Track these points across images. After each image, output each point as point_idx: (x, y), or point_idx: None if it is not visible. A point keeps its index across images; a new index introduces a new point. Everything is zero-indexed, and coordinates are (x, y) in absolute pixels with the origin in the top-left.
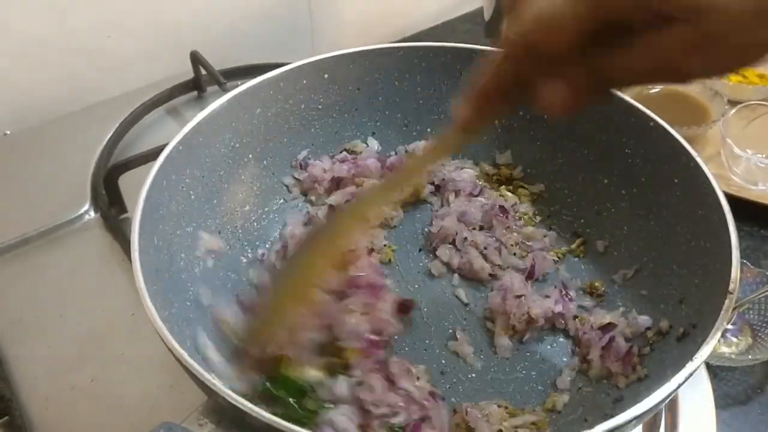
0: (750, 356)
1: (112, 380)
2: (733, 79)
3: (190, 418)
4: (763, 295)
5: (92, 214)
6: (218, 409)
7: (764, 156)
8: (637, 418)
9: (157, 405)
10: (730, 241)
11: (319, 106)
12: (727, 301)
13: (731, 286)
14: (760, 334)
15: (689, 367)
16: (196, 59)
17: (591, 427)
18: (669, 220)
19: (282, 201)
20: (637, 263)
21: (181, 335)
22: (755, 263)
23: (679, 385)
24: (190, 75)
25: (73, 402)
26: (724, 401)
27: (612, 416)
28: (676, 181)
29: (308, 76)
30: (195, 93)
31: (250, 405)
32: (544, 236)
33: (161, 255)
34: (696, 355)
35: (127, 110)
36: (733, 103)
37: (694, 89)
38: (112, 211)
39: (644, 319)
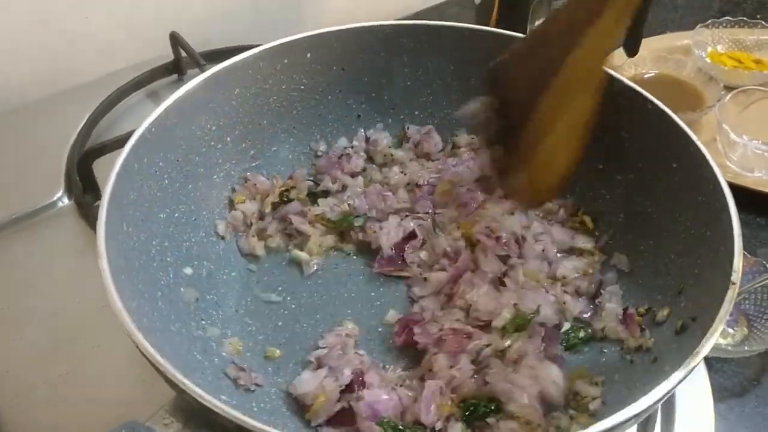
0: (746, 347)
1: (85, 374)
2: (729, 63)
3: (156, 416)
4: (759, 284)
5: (66, 200)
6: (186, 407)
7: (761, 142)
8: (635, 417)
9: (132, 401)
10: (732, 229)
11: (301, 87)
12: (729, 293)
13: (734, 277)
14: (756, 325)
15: (690, 362)
16: (176, 41)
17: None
18: (667, 207)
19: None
20: (633, 252)
21: (151, 327)
22: (751, 252)
23: (679, 382)
24: (171, 57)
25: (45, 397)
26: (719, 393)
27: None
28: (674, 166)
29: (289, 55)
30: (175, 76)
31: (219, 404)
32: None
33: (131, 242)
34: (697, 350)
35: (104, 93)
36: (728, 88)
37: (688, 74)
38: (86, 197)
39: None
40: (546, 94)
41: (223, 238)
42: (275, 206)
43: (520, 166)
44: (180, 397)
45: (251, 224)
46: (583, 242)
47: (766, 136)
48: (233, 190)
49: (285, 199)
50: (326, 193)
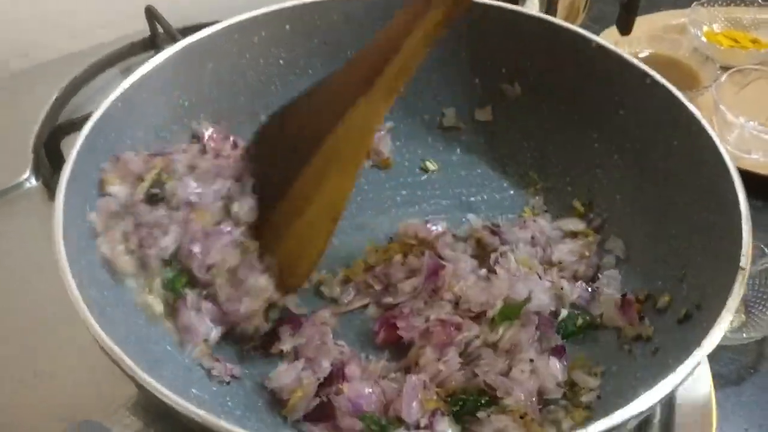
0: (744, 334)
1: (58, 368)
2: (725, 43)
3: (116, 415)
4: (757, 269)
5: (33, 182)
6: (149, 405)
7: (758, 123)
8: (638, 415)
9: (93, 397)
10: (739, 210)
11: (280, 62)
12: (738, 279)
13: (742, 261)
14: (753, 311)
15: (697, 354)
16: (152, 15)
17: None
18: (667, 188)
19: None
20: (631, 235)
21: (116, 318)
22: None
23: (686, 376)
24: (147, 33)
25: (16, 396)
26: (716, 381)
27: None
28: (675, 144)
29: (267, 27)
30: (152, 52)
31: (182, 402)
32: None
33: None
34: (704, 341)
35: (76, 70)
36: (724, 68)
37: (684, 54)
38: (55, 178)
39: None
40: (302, 172)
41: None
42: None
43: (271, 246)
44: (141, 393)
45: None
46: (574, 224)
47: (763, 117)
48: None
49: None
50: None
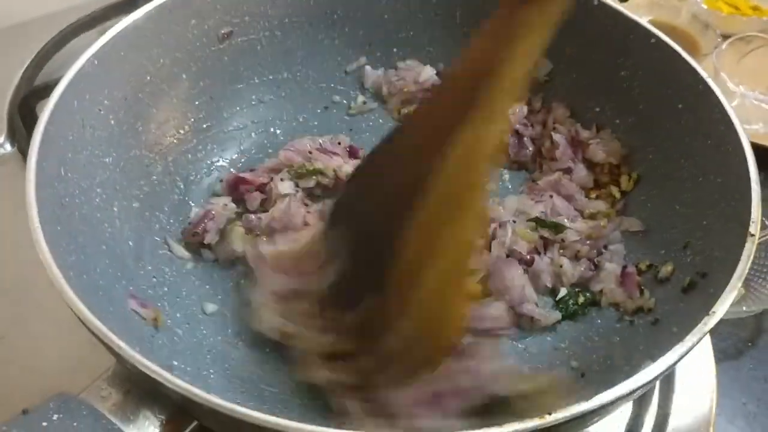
0: (744, 308)
1: (25, 337)
2: (725, 10)
3: (92, 387)
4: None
5: (8, 147)
6: (128, 377)
7: (758, 92)
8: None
9: (76, 368)
10: (748, 173)
11: (267, 21)
12: (748, 245)
13: (752, 227)
14: (753, 285)
15: (707, 323)
16: None
17: None
18: (671, 152)
19: (221, 131)
20: (633, 203)
21: (93, 285)
22: None
23: (693, 345)
24: None
25: None
26: (715, 355)
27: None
28: (680, 106)
29: None
30: None
31: (165, 373)
32: None
33: (70, 188)
34: (714, 309)
35: (53, 32)
36: (724, 36)
37: (683, 21)
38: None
39: None
40: (410, 224)
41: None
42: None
43: (390, 328)
44: (120, 364)
45: None
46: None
47: (764, 86)
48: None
49: None
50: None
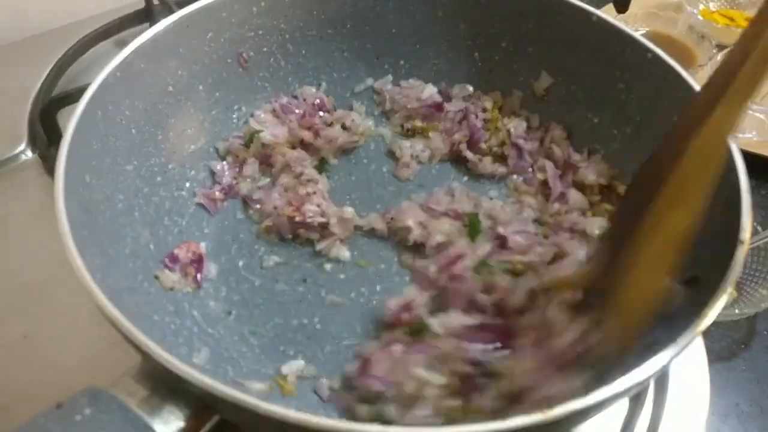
0: (736, 310)
1: (46, 337)
2: (721, 21)
3: (120, 383)
4: (750, 247)
5: (29, 154)
6: (153, 373)
7: (751, 102)
8: (639, 384)
9: (96, 365)
10: (738, 183)
11: (280, 34)
12: (738, 252)
13: (742, 235)
14: (745, 288)
15: (696, 326)
16: None
17: None
18: None
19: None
20: None
21: (116, 287)
22: None
23: (682, 349)
24: (142, 4)
25: (3, 361)
26: (708, 357)
27: None
28: (675, 119)
29: None
30: (147, 25)
31: (190, 371)
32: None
33: (95, 195)
34: (704, 312)
35: (71, 42)
36: (720, 47)
37: (680, 32)
38: (51, 150)
39: None
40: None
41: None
42: None
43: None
44: (146, 362)
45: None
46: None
47: (757, 96)
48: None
49: None
50: None
